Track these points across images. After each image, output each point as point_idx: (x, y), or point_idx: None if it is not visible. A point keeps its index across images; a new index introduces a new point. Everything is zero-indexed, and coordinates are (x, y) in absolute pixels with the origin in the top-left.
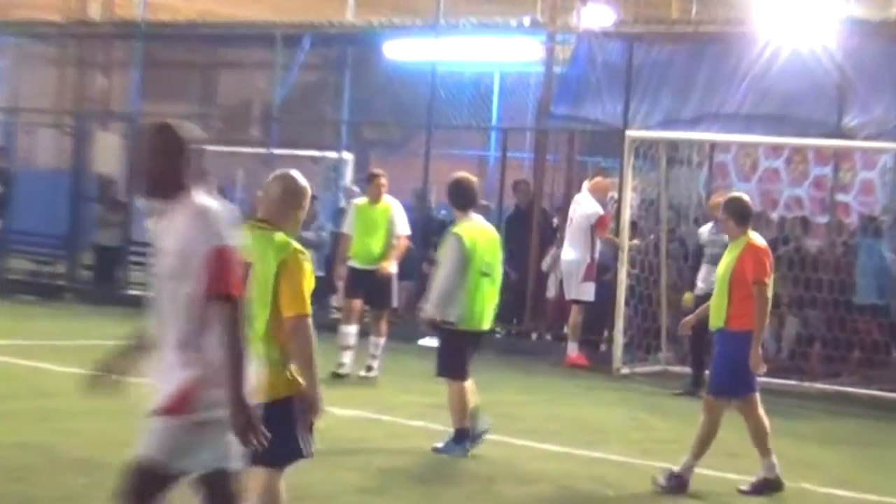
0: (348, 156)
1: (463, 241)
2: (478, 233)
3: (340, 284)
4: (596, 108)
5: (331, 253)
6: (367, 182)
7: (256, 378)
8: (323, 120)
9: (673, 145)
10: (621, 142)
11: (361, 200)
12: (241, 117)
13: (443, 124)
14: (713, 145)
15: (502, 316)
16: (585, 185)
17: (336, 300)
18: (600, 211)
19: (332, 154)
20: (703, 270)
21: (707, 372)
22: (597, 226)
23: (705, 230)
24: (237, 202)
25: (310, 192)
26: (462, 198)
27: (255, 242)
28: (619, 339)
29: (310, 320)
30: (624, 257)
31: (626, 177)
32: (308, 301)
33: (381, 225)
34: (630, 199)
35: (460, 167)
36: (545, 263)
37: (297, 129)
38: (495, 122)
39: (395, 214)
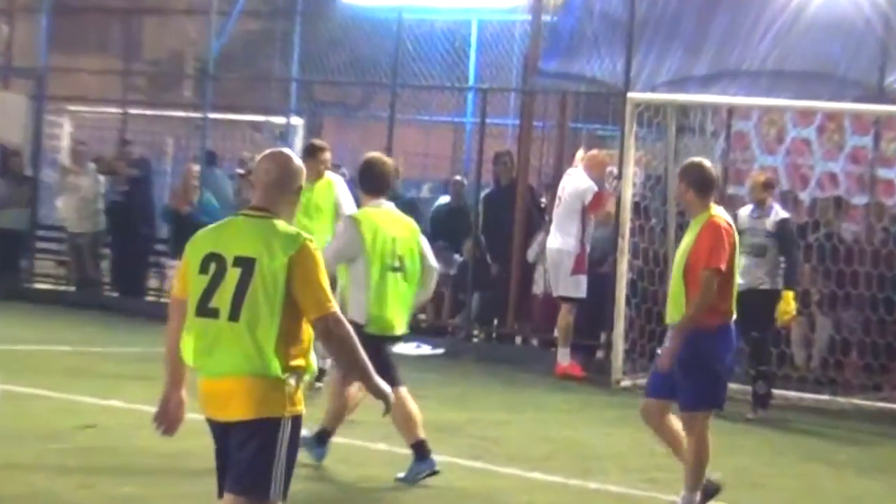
0: (298, 121)
1: (358, 225)
2: (384, 220)
3: None
4: (592, 64)
5: None
6: (307, 155)
7: (245, 391)
8: (268, 78)
9: (683, 110)
10: (622, 106)
11: None
12: (170, 74)
13: (410, 84)
14: (731, 110)
15: (481, 316)
16: (579, 155)
17: None
18: (594, 187)
19: (278, 119)
20: (743, 263)
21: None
22: (591, 206)
23: (745, 213)
24: (166, 177)
25: (305, 173)
26: (371, 181)
27: (251, 235)
28: (620, 344)
29: (342, 316)
30: (624, 245)
31: (628, 148)
32: (331, 295)
33: (324, 208)
34: (632, 176)
35: (432, 135)
36: (531, 253)
37: (237, 89)
38: (472, 82)
39: (339, 194)
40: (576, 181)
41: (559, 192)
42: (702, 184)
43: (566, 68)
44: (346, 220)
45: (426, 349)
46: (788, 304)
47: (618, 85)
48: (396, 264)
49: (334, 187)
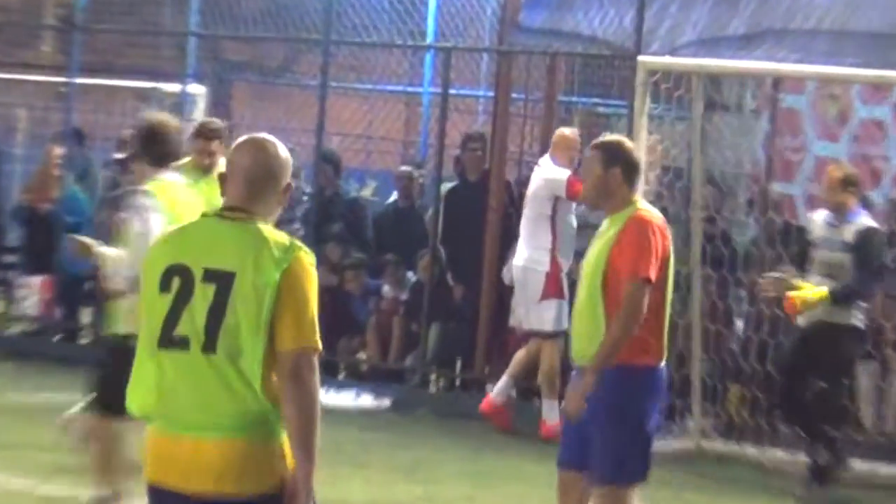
0: (198, 89)
1: (159, 203)
2: (183, 203)
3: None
4: (591, 18)
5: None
6: (197, 138)
7: (230, 454)
8: (156, 31)
9: (714, 80)
10: (631, 73)
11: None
12: (23, 25)
13: (348, 40)
14: (778, 81)
15: (440, 356)
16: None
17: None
18: (565, 174)
19: (171, 86)
20: (815, 283)
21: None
22: (569, 192)
23: (819, 220)
24: (17, 161)
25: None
26: (154, 147)
27: (229, 242)
28: None
29: (316, 360)
30: None
31: (639, 130)
32: (317, 328)
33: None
34: (644, 167)
35: (377, 110)
36: (507, 272)
37: (114, 46)
38: (431, 39)
39: None
40: (543, 172)
41: (528, 191)
42: (629, 167)
43: (556, 23)
44: (142, 197)
45: (368, 400)
46: (808, 295)
47: (625, 45)
48: None
49: None
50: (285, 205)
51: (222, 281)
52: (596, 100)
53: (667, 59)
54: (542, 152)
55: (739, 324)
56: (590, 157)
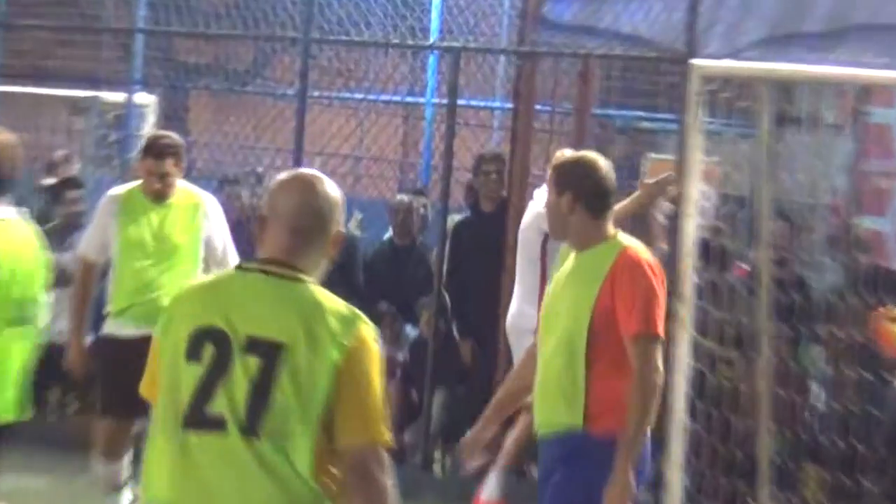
0: (147, 98)
1: None
2: (7, 241)
3: (83, 370)
4: (633, 13)
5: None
6: (148, 156)
7: None
8: (95, 28)
9: (785, 89)
10: (683, 80)
11: (123, 189)
12: None
13: (332, 39)
14: (864, 90)
15: (446, 430)
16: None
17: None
18: None
19: (113, 95)
20: None
21: None
22: None
23: None
24: None
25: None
26: None
27: (276, 305)
28: (677, 480)
29: (385, 455)
30: (684, 315)
31: (692, 150)
32: (386, 417)
33: (182, 246)
34: (696, 197)
35: (368, 125)
36: None
37: (44, 46)
38: (435, 37)
39: (210, 223)
40: (535, 205)
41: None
42: (586, 192)
43: (589, 19)
44: None
45: None
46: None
47: (675, 46)
48: (20, 312)
49: (201, 211)
50: (334, 258)
51: (269, 353)
52: (638, 113)
53: (726, 63)
54: None
55: (817, 390)
56: (553, 186)
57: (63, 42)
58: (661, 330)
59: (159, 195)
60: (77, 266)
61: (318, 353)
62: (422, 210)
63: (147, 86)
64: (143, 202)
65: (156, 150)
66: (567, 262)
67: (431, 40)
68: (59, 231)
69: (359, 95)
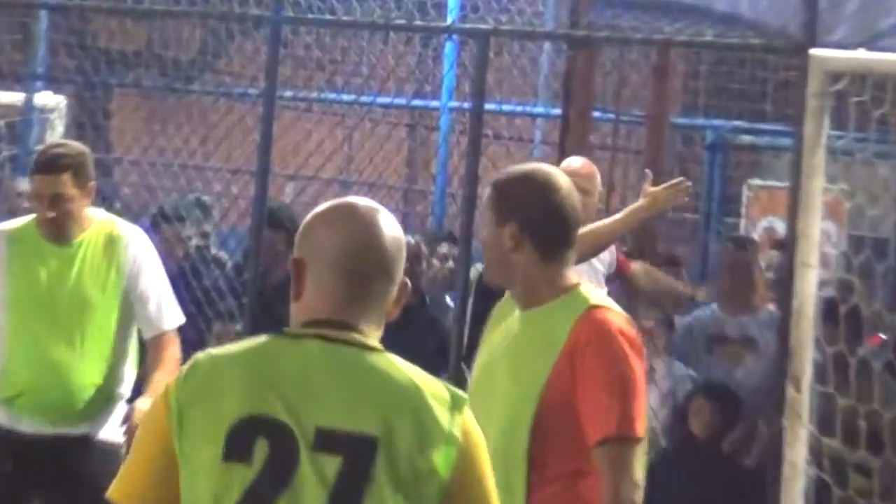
0: (53, 98)
1: None
2: None
3: None
4: None
5: None
6: (42, 172)
7: None
8: None
9: None
10: (799, 78)
11: (12, 224)
12: None
13: (311, 17)
14: None
15: None
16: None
17: None
18: (604, 258)
19: (8, 95)
20: None
21: None
22: (619, 270)
23: None
24: None
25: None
26: None
27: (354, 382)
28: None
29: None
30: (800, 397)
31: (811, 172)
32: None
33: (95, 305)
34: (817, 239)
35: (361, 135)
36: None
37: None
38: (454, 17)
39: (137, 268)
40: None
41: None
42: (553, 224)
43: None
44: None
45: None
46: None
47: (788, 31)
48: None
49: (124, 256)
50: (396, 316)
51: (355, 451)
52: (737, 123)
53: (859, 55)
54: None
55: None
56: (487, 212)
57: None
58: (641, 430)
59: (58, 230)
60: None
61: (426, 451)
62: (434, 256)
63: (54, 82)
64: (37, 242)
65: (43, 163)
66: (505, 322)
67: (449, 21)
68: None
69: (347, 97)
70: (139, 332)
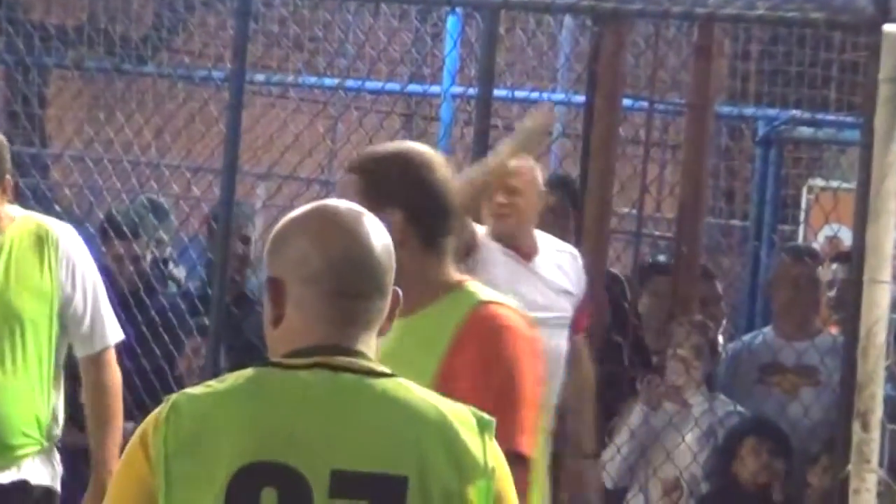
0: None
1: None
2: None
3: None
4: None
5: None
6: None
7: None
8: None
9: None
10: (869, 59)
11: None
12: None
13: None
14: None
15: None
16: None
17: None
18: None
19: None
20: None
21: None
22: (576, 327)
23: None
24: None
25: None
26: None
27: (368, 415)
28: None
29: None
30: (869, 448)
31: (883, 174)
32: None
33: (26, 318)
34: (888, 244)
35: (347, 128)
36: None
37: None
38: None
39: (70, 271)
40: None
41: None
42: (437, 210)
43: None
44: None
45: None
46: None
47: (854, 5)
48: None
49: (55, 257)
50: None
51: (380, 494)
52: (794, 112)
53: None
54: (683, 208)
55: None
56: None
57: None
58: (529, 447)
59: None
60: None
61: (463, 488)
62: None
63: None
64: None
65: None
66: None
67: None
68: None
69: (330, 81)
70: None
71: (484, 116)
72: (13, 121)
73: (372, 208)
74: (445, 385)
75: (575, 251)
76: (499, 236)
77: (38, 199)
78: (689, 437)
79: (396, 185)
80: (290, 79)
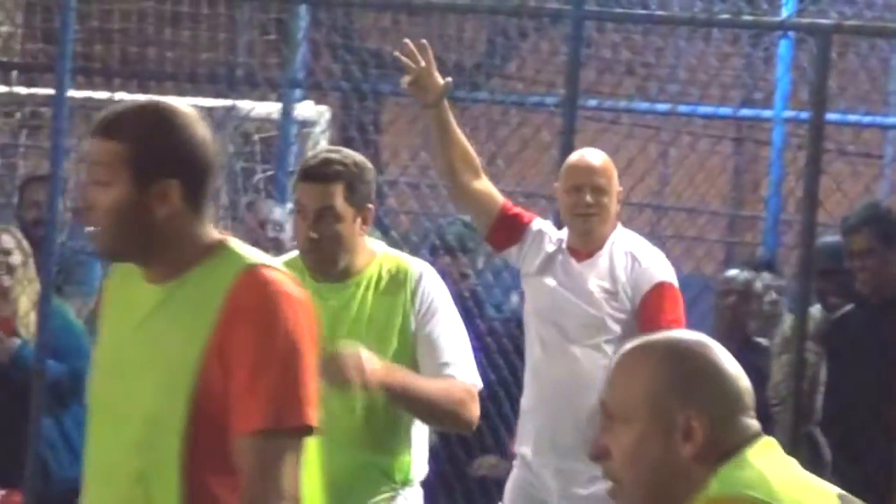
0: (315, 109)
1: None
2: None
3: None
4: None
5: None
6: (297, 183)
7: None
8: None
9: None
10: None
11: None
12: None
13: (608, 11)
14: None
15: None
16: None
17: None
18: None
19: (263, 106)
20: None
21: None
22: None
23: None
24: None
25: None
26: None
27: None
28: None
29: None
30: None
31: None
32: None
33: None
34: None
35: (681, 149)
36: None
37: None
38: (790, 10)
39: (430, 313)
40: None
41: None
42: (203, 169)
43: None
44: None
45: None
46: None
47: None
48: None
49: (417, 295)
50: None
51: None
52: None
53: None
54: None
55: None
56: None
57: None
58: (310, 417)
59: (325, 260)
60: None
61: None
62: (769, 296)
63: (315, 90)
64: (304, 278)
65: (309, 170)
66: (125, 301)
67: (784, 15)
68: None
69: (662, 106)
70: None
71: (816, 140)
72: (349, 147)
73: (144, 181)
74: (218, 357)
75: (645, 253)
76: (582, 234)
77: (374, 224)
78: None
79: (173, 152)
80: (623, 104)
